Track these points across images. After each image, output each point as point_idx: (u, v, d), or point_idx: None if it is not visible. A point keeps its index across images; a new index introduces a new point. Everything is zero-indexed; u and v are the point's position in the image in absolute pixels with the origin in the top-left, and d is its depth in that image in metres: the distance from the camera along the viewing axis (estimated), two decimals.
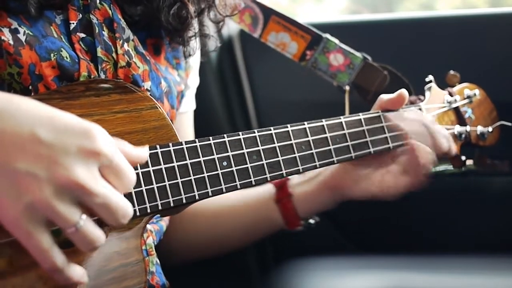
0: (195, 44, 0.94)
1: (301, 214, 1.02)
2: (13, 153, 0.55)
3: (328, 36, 1.09)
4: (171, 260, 1.11)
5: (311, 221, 1.04)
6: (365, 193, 0.95)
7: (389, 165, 0.94)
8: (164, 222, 0.95)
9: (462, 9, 1.97)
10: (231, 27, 1.36)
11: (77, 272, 0.60)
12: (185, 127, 1.06)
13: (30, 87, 0.72)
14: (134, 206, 0.67)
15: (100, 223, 0.64)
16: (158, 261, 0.90)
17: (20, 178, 0.54)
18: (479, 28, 1.27)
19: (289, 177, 1.02)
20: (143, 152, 0.66)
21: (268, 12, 1.10)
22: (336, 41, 1.09)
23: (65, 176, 0.55)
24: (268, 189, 1.04)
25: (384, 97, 0.95)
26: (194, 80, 1.06)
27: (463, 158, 1.03)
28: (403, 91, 0.94)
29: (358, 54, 1.09)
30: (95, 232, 0.59)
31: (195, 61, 1.03)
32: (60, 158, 0.55)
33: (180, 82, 0.94)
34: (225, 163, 0.76)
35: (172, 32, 0.88)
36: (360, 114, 0.91)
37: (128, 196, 0.66)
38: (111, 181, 0.59)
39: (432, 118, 0.99)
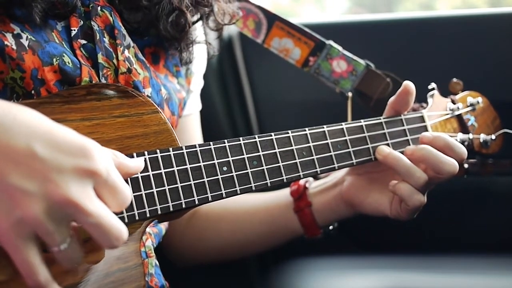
0: (193, 51, 0.94)
1: (320, 223, 1.01)
2: (7, 166, 0.54)
3: (331, 42, 1.09)
4: (182, 263, 1.11)
5: (330, 227, 1.03)
6: (374, 212, 0.95)
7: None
8: (163, 225, 0.95)
9: (462, 9, 1.96)
10: (231, 27, 1.37)
11: None
12: (192, 130, 1.07)
13: (33, 92, 0.72)
14: (133, 211, 0.67)
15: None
16: (157, 263, 0.89)
17: (12, 192, 0.54)
18: (479, 28, 1.26)
19: (308, 185, 1.02)
20: (139, 162, 0.67)
21: (272, 18, 1.10)
22: (340, 48, 1.09)
23: (58, 193, 0.54)
24: (286, 198, 1.03)
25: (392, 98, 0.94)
26: (197, 84, 1.06)
27: (466, 166, 1.02)
28: (407, 83, 0.92)
29: (361, 61, 1.09)
30: (76, 254, 0.59)
31: (198, 67, 1.04)
32: (54, 175, 0.55)
33: (181, 90, 0.94)
34: (225, 168, 0.75)
35: (170, 40, 0.88)
36: (362, 120, 0.91)
37: None
38: (105, 200, 0.59)
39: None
